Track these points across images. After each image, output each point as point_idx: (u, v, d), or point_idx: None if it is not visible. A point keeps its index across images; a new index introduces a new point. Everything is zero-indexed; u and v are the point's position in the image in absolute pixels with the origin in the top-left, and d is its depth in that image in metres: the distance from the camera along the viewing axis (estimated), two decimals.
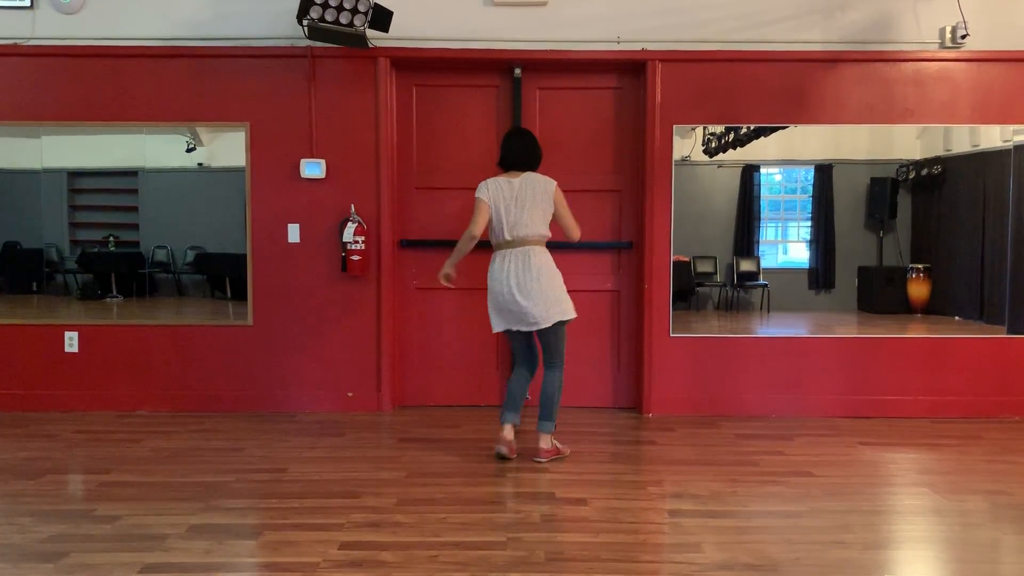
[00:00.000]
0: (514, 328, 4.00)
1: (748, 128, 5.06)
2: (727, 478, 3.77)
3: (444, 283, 4.15)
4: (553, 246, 4.52)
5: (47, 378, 5.02)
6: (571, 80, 5.07)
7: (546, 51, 4.88)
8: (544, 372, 4.07)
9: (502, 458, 3.99)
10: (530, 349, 4.12)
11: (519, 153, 4.04)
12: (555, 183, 4.02)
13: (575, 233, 4.11)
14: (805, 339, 5.07)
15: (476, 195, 4.01)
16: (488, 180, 4.04)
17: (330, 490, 3.57)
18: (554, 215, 4.04)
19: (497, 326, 4.05)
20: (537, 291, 3.90)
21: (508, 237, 3.95)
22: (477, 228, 3.97)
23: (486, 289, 4.08)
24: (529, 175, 4.01)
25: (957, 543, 3.05)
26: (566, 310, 3.99)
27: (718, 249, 5.32)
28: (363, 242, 4.88)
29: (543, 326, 3.95)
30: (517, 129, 4.23)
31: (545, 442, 4.02)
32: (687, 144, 5.04)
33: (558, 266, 4.03)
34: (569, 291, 4.98)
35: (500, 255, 3.99)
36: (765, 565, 2.80)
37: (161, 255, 5.21)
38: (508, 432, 4.02)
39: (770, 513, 3.32)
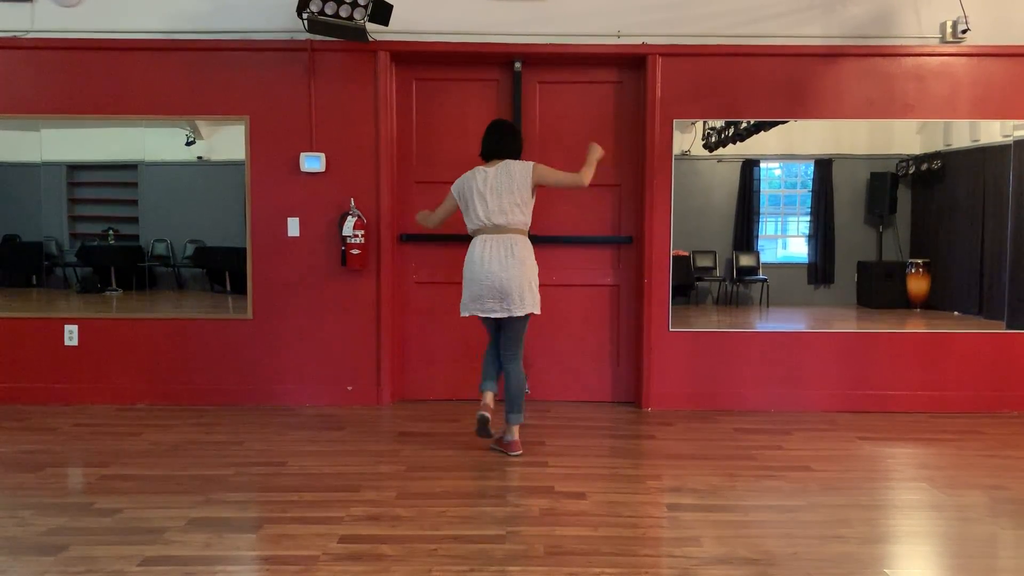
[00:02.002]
0: (482, 316, 4.02)
1: (748, 123, 5.05)
2: (726, 472, 3.77)
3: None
4: (551, 240, 4.54)
5: (47, 371, 5.02)
6: (571, 74, 5.06)
7: (546, 45, 4.87)
8: (506, 367, 4.07)
9: (484, 420, 3.97)
10: (499, 330, 4.13)
11: (495, 143, 4.06)
12: (532, 163, 4.00)
13: (583, 180, 3.97)
14: (804, 334, 5.07)
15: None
16: (465, 173, 4.08)
17: (329, 484, 3.58)
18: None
19: (467, 310, 4.06)
20: (517, 280, 3.91)
21: (488, 223, 3.96)
22: (435, 216, 4.22)
23: None
24: (507, 162, 4.01)
25: (955, 538, 3.06)
26: (537, 303, 4.01)
27: (718, 244, 5.32)
28: (363, 236, 4.88)
29: (517, 314, 3.94)
30: (497, 121, 4.19)
31: (516, 435, 4.05)
32: (687, 139, 5.03)
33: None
34: (568, 286, 5.05)
35: (480, 240, 3.99)
36: (763, 559, 2.81)
37: (160, 249, 5.21)
38: (489, 399, 4.03)
39: (768, 507, 3.33)
